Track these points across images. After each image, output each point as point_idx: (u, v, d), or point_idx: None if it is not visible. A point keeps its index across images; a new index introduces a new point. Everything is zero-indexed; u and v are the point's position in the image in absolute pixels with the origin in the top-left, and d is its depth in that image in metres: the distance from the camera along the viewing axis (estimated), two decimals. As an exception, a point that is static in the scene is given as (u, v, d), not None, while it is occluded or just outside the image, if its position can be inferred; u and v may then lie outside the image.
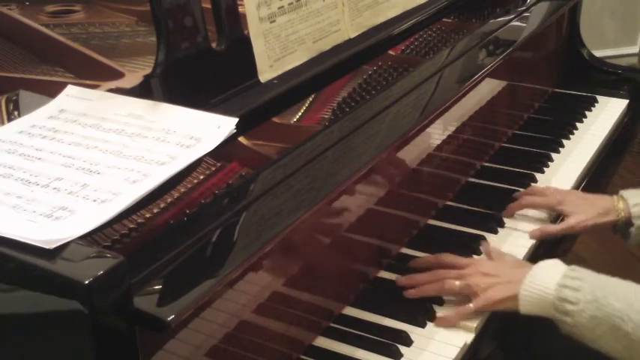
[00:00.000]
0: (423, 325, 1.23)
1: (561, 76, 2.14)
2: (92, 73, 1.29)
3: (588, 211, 1.48)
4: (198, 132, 1.02)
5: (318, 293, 1.23)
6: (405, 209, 1.46)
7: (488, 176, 1.68)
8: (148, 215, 0.99)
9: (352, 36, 1.40)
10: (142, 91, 1.13)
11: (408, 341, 1.20)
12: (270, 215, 1.03)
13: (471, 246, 1.42)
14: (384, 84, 1.42)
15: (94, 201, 0.90)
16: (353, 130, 1.22)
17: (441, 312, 1.26)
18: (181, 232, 0.96)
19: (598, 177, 1.76)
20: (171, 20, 1.13)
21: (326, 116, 1.32)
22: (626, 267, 2.59)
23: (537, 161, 1.73)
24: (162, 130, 1.03)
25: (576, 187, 1.68)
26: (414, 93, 1.37)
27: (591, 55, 2.17)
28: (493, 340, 1.26)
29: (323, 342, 1.21)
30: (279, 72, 1.25)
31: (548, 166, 1.73)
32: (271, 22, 1.23)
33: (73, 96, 1.12)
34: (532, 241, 1.46)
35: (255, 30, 1.21)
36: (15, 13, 1.56)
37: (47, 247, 0.82)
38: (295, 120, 1.29)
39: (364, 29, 1.43)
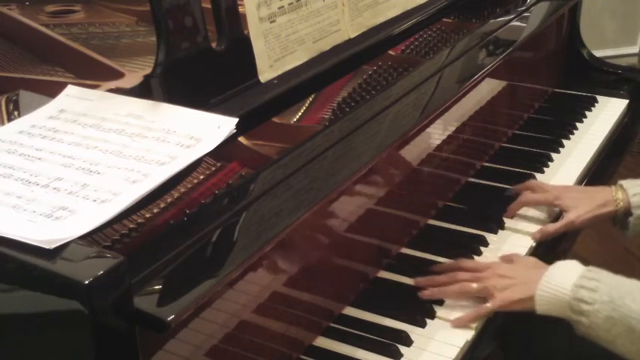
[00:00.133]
0: (423, 325, 1.24)
1: (561, 76, 2.14)
2: (92, 73, 1.29)
3: (587, 204, 1.48)
4: (198, 132, 1.02)
5: (318, 293, 1.23)
6: (405, 209, 1.46)
7: (489, 176, 1.68)
8: (147, 215, 0.99)
9: (352, 36, 1.40)
10: (142, 91, 1.13)
11: (408, 341, 1.20)
12: (270, 215, 1.03)
13: (471, 246, 1.42)
14: (384, 84, 1.42)
15: (94, 201, 0.90)
16: (353, 130, 1.22)
17: (441, 312, 1.26)
18: (181, 232, 0.96)
19: (598, 177, 1.75)
20: (171, 20, 1.12)
21: (326, 116, 1.32)
22: (627, 267, 2.58)
23: (537, 161, 1.73)
24: (162, 130, 1.03)
25: (576, 186, 1.68)
26: (414, 93, 1.37)
27: (591, 55, 2.17)
28: (493, 340, 1.26)
29: (323, 342, 1.21)
30: (279, 72, 1.25)
31: (548, 166, 1.73)
32: (271, 22, 1.23)
33: (73, 96, 1.12)
34: (532, 242, 1.46)
35: (255, 30, 1.21)
36: (15, 13, 1.56)
37: (47, 247, 0.82)
38: (295, 120, 1.29)
39: (364, 29, 1.43)
